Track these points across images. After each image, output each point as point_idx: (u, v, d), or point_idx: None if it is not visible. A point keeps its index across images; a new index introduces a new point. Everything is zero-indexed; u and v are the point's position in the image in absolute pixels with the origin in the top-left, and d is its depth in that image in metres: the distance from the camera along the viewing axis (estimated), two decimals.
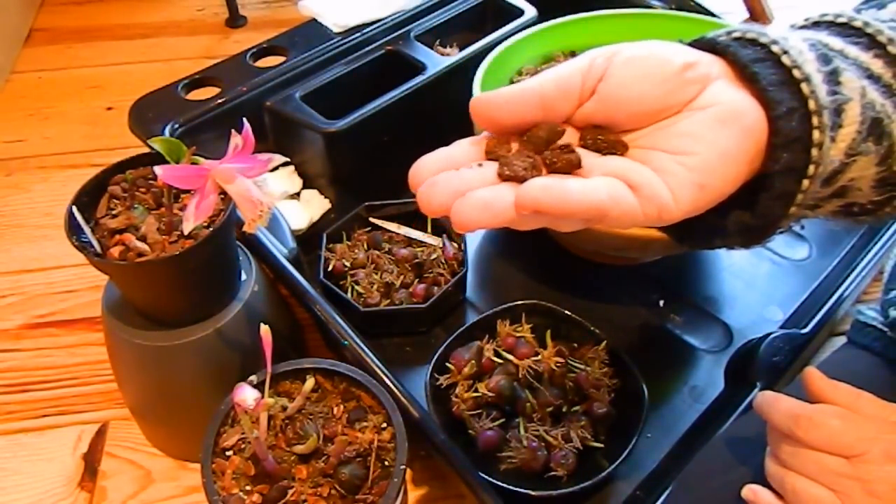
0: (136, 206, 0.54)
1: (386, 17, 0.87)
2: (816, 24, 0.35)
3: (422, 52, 0.83)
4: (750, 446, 0.49)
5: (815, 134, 0.30)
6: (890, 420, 0.41)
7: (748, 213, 0.33)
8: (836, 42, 0.33)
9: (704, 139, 0.31)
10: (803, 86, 0.30)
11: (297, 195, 0.83)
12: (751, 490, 0.44)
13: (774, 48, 0.31)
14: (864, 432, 0.40)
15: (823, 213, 0.35)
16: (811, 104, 0.30)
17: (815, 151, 0.30)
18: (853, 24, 0.33)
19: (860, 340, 0.56)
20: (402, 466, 0.48)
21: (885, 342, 0.54)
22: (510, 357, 0.63)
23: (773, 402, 0.44)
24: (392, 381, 0.56)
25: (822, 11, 0.35)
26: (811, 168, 0.31)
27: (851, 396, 0.42)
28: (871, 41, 0.33)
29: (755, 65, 0.31)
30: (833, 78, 0.31)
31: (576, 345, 0.65)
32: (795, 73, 0.30)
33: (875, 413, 0.41)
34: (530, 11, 0.88)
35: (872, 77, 0.32)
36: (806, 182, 0.31)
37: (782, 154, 0.31)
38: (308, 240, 0.75)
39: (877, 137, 0.31)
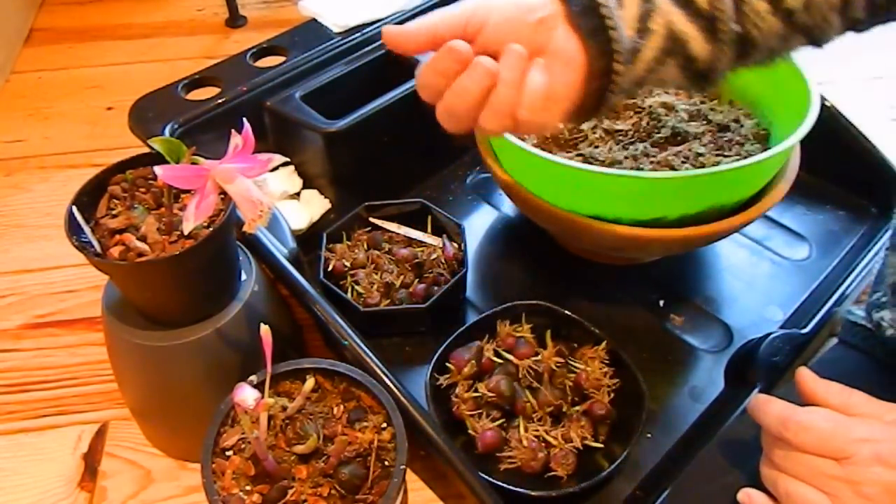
0: (136, 206, 0.54)
1: (386, 17, 0.87)
2: None
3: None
4: (747, 449, 0.49)
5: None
6: (882, 420, 0.41)
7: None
8: None
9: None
10: None
11: (297, 195, 0.83)
12: (746, 494, 0.44)
13: None
14: (853, 434, 0.40)
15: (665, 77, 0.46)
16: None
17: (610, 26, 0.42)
18: None
19: (850, 340, 0.56)
20: (402, 466, 0.48)
21: (873, 342, 0.54)
22: (510, 357, 0.63)
23: (763, 406, 0.44)
24: (392, 381, 0.56)
25: None
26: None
27: (843, 396, 0.42)
28: None
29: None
30: None
31: (576, 345, 0.65)
32: None
33: (867, 412, 0.41)
34: None
35: None
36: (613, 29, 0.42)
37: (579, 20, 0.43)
38: (308, 240, 0.75)
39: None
